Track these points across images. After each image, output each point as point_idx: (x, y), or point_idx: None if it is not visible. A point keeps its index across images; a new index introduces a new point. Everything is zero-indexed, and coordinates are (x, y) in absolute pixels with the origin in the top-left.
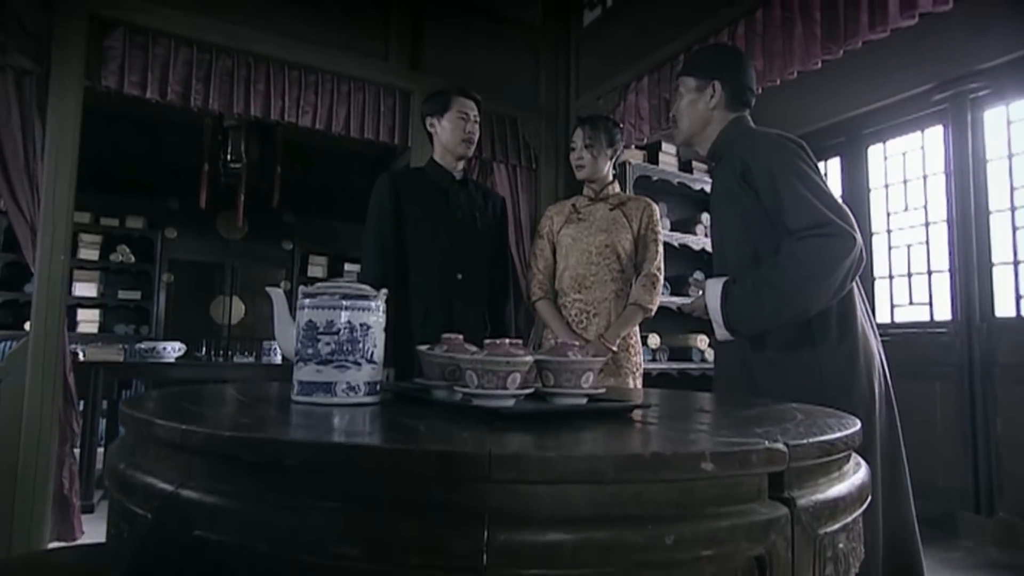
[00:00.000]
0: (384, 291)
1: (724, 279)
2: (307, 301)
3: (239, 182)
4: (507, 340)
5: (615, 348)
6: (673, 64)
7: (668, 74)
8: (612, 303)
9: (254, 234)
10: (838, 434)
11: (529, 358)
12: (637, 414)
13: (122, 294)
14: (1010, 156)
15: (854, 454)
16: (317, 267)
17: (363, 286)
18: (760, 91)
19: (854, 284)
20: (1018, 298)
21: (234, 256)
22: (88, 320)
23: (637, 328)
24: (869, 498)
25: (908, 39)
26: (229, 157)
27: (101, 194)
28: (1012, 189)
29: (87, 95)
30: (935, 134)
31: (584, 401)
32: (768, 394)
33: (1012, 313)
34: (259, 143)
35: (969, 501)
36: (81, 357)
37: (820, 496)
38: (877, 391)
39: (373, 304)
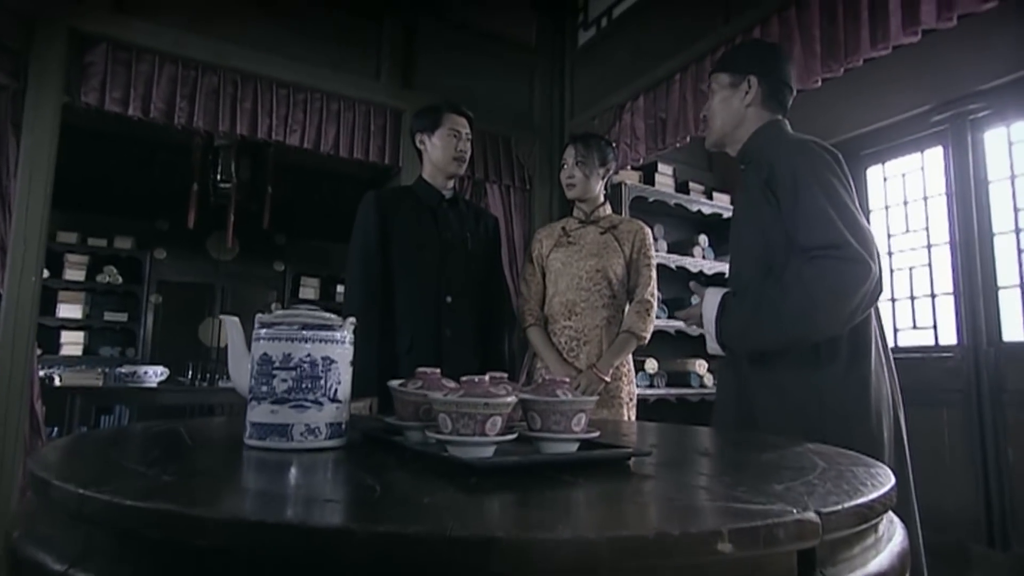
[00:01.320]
0: (351, 320)
1: (725, 290)
2: (263, 332)
3: (229, 202)
4: (487, 376)
5: (607, 378)
6: (669, 84)
7: (664, 94)
8: (603, 330)
9: (245, 255)
10: (875, 494)
11: (511, 399)
12: (634, 463)
13: (108, 315)
14: (1012, 178)
15: (889, 511)
16: (309, 289)
17: (327, 314)
18: None
19: (872, 310)
20: None
21: (224, 277)
22: (72, 342)
23: (630, 356)
24: (909, 570)
25: (905, 59)
26: (219, 177)
27: (89, 214)
28: (1016, 211)
29: (78, 114)
30: (935, 155)
31: (575, 448)
32: (765, 417)
33: (1020, 337)
34: (250, 163)
35: (982, 534)
36: (57, 382)
37: (859, 573)
38: (887, 430)
39: (338, 335)
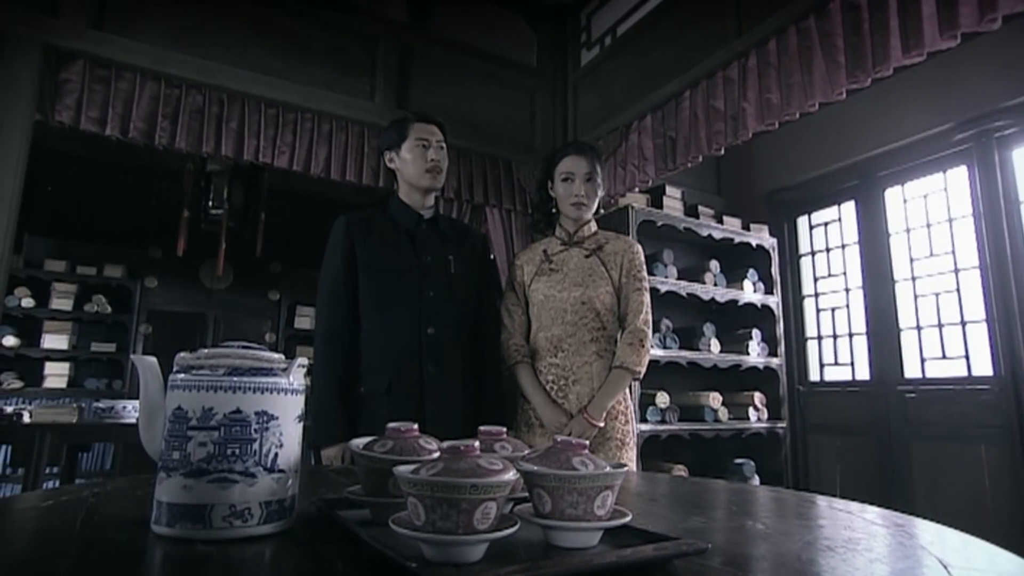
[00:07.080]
0: (300, 360)
1: None
2: (179, 377)
3: (220, 229)
4: (476, 442)
5: (600, 423)
6: (678, 101)
7: (673, 112)
8: (594, 367)
9: (239, 284)
10: None
11: (510, 476)
12: (683, 565)
13: (95, 346)
14: None
15: None
16: (305, 318)
17: (266, 354)
18: (776, 126)
19: None
20: None
21: (217, 306)
22: (56, 374)
23: (628, 392)
24: None
25: (923, 77)
26: (211, 203)
27: (79, 242)
28: None
29: (70, 139)
30: (959, 175)
31: (596, 541)
32: None
33: None
34: (243, 189)
35: None
36: (26, 419)
37: None
38: None
39: (281, 381)
